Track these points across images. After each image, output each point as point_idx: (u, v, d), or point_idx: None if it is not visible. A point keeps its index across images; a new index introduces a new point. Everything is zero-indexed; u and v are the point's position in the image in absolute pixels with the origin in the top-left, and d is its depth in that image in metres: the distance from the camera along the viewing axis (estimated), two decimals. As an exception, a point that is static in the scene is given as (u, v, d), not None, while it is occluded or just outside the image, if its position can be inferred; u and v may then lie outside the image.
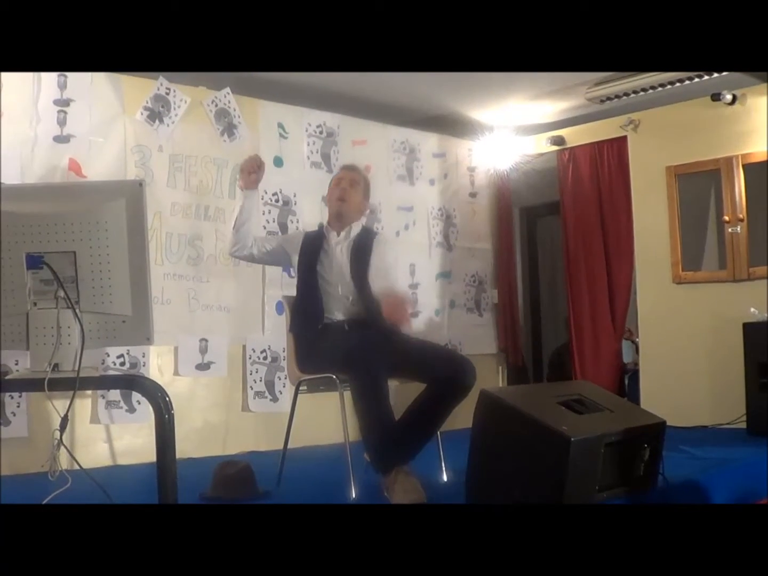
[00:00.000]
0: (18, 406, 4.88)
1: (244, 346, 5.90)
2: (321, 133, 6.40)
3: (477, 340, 7.39)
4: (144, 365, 5.39)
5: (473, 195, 7.56)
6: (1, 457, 4.56)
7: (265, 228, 6.00)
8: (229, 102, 5.88)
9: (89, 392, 5.11)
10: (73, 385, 2.46)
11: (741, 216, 6.23)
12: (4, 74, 4.82)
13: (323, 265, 4.22)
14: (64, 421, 2.57)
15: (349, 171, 4.44)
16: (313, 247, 4.28)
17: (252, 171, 4.24)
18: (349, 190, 4.30)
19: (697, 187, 6.66)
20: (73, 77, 5.13)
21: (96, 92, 5.25)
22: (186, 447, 5.04)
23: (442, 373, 3.80)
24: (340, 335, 4.04)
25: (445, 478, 4.18)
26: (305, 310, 4.20)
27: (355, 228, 4.32)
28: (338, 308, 4.16)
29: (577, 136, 7.31)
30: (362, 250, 4.25)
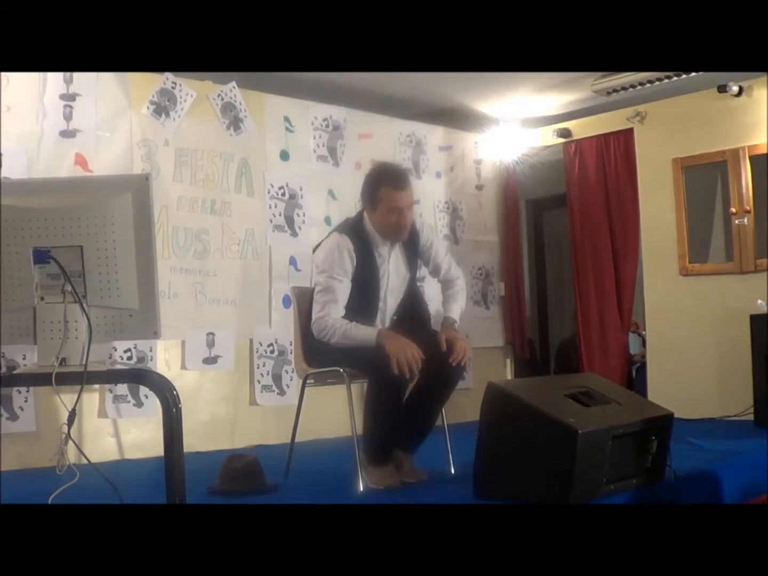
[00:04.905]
0: (26, 401, 4.90)
1: (251, 340, 5.91)
2: (327, 126, 6.40)
3: (484, 333, 7.38)
4: (151, 359, 5.40)
5: (479, 188, 7.55)
6: (10, 451, 4.59)
7: (271, 222, 6.01)
8: (235, 96, 5.88)
9: (97, 386, 5.12)
10: (81, 379, 2.47)
11: (748, 208, 6.22)
12: (10, 72, 4.82)
13: (371, 271, 4.03)
14: (72, 415, 2.58)
15: (404, 195, 3.96)
16: (364, 256, 4.01)
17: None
18: (409, 215, 3.98)
19: (703, 178, 6.65)
20: (79, 72, 5.13)
21: (102, 87, 5.26)
22: (193, 441, 5.05)
23: (432, 362, 3.82)
24: None
25: (453, 470, 4.18)
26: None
27: None
28: (373, 309, 4.06)
29: (583, 128, 7.30)
30: (414, 255, 4.20)
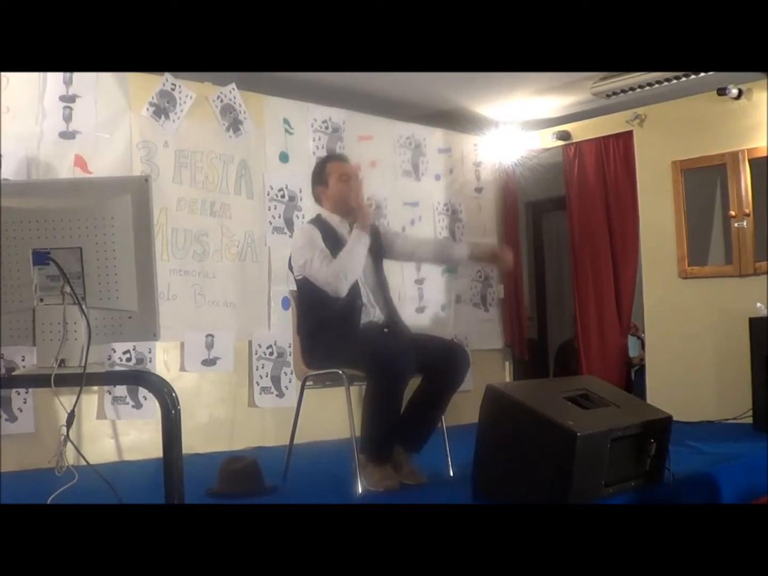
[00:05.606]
0: (25, 402, 4.89)
1: (250, 342, 5.91)
2: (326, 128, 6.40)
3: (483, 335, 7.38)
4: (150, 361, 5.40)
5: (479, 190, 7.55)
6: (9, 453, 4.58)
7: (270, 223, 6.01)
8: (235, 98, 5.88)
9: (96, 388, 5.12)
10: (80, 380, 2.46)
11: (747, 211, 6.22)
12: (10, 72, 4.82)
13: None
14: (71, 416, 2.57)
15: (350, 165, 4.33)
16: (333, 244, 4.10)
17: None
18: (359, 189, 4.23)
19: (703, 181, 6.65)
20: (79, 73, 5.12)
21: (102, 88, 5.25)
22: (192, 442, 5.06)
23: (436, 363, 3.88)
24: (358, 333, 4.03)
25: (451, 473, 4.18)
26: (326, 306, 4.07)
27: None
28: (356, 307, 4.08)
29: (582, 131, 7.30)
30: (379, 250, 4.25)
